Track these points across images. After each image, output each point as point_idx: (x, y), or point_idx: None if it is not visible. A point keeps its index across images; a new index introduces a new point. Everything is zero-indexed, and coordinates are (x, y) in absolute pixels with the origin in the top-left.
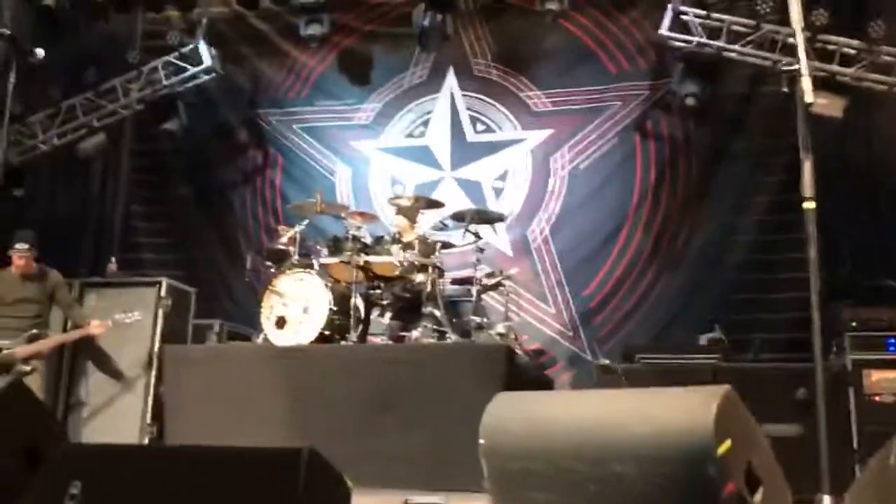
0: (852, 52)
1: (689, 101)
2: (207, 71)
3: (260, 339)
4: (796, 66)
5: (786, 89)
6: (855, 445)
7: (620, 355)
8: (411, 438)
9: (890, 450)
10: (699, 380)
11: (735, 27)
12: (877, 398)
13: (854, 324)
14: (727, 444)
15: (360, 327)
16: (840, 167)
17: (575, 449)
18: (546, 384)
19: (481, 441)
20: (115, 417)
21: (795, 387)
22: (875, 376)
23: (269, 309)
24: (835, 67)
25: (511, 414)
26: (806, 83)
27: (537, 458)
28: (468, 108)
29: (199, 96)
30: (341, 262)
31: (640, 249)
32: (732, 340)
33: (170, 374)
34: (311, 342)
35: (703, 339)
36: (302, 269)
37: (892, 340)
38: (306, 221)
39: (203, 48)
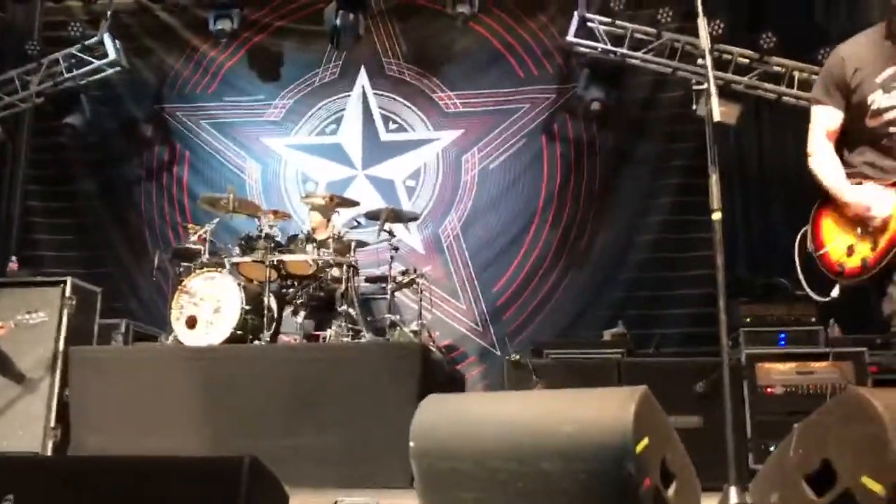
0: (746, 61)
1: (594, 106)
2: (112, 64)
3: (170, 340)
4: (705, 86)
5: (694, 107)
6: (749, 435)
7: (529, 350)
8: (329, 437)
9: (790, 442)
10: (605, 374)
11: (638, 35)
12: (769, 390)
13: (748, 320)
14: (644, 441)
15: (273, 327)
16: (734, 172)
17: (503, 449)
18: (458, 380)
19: (411, 443)
20: (15, 421)
21: (694, 380)
22: (767, 369)
23: (179, 309)
24: (730, 76)
25: (440, 416)
26: (714, 102)
27: (466, 459)
28: (380, 107)
29: (104, 90)
30: (254, 260)
31: (547, 247)
32: (634, 335)
33: (75, 376)
34: (223, 342)
35: (607, 335)
36: (213, 268)
37: (783, 335)
38: (217, 219)
39: (108, 40)
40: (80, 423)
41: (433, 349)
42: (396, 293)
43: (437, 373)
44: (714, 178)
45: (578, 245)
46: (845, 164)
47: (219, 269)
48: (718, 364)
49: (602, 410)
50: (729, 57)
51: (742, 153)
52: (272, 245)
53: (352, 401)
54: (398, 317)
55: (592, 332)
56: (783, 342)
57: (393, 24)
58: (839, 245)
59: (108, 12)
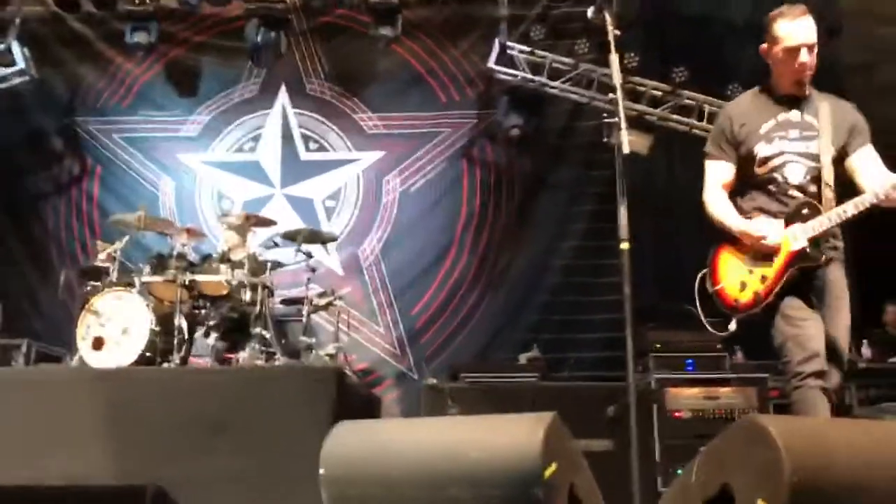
0: (659, 94)
1: (513, 132)
2: (20, 73)
3: (75, 361)
4: (616, 119)
5: (606, 139)
6: (657, 458)
7: (446, 374)
8: (241, 463)
9: (692, 467)
10: (519, 398)
11: (556, 64)
12: (676, 414)
13: (658, 345)
14: (553, 467)
15: (184, 349)
16: (645, 200)
17: (412, 475)
18: (374, 404)
19: (321, 471)
20: None
21: (606, 404)
22: (675, 393)
23: (86, 329)
24: (643, 107)
25: (350, 443)
26: (624, 136)
27: (376, 486)
28: (301, 126)
29: (11, 100)
30: (165, 280)
31: (466, 270)
32: (549, 359)
33: None
34: (131, 364)
35: (523, 358)
36: (121, 288)
37: (690, 361)
38: (127, 237)
39: (16, 49)
40: None
41: (349, 373)
42: (313, 315)
43: (353, 397)
44: (622, 210)
45: (496, 268)
46: (739, 210)
47: (128, 289)
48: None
49: (511, 436)
50: (642, 89)
51: (653, 182)
52: (185, 264)
53: (264, 425)
54: (314, 340)
55: (508, 355)
56: (691, 367)
57: (315, 44)
58: (733, 282)
59: (17, 19)
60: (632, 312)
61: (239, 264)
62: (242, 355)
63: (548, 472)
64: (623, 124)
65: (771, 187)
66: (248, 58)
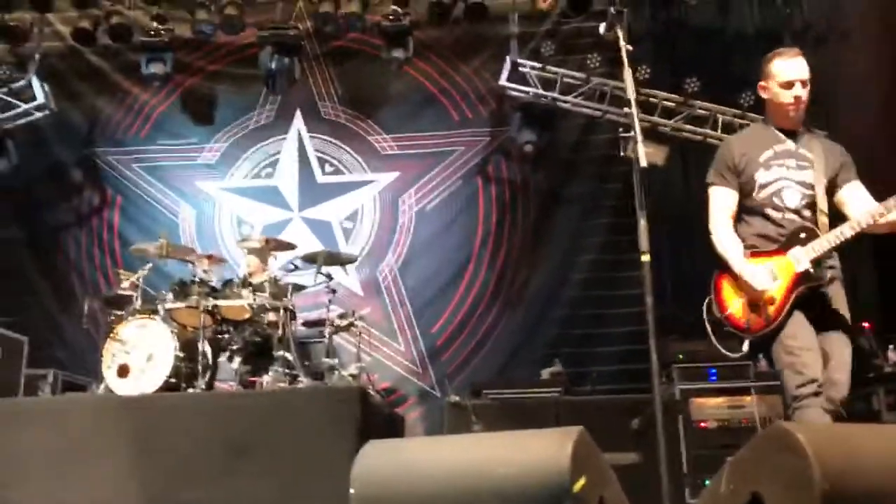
0: (671, 105)
1: (527, 148)
2: (40, 108)
3: (101, 389)
4: (632, 133)
5: (622, 153)
6: (685, 469)
7: (468, 391)
8: (266, 485)
9: (720, 477)
10: (543, 413)
11: (567, 79)
12: (702, 424)
13: (680, 356)
14: (582, 481)
15: (209, 373)
16: (662, 211)
17: (441, 493)
18: (398, 422)
19: (352, 491)
20: None
21: (630, 416)
22: (699, 404)
23: (111, 357)
24: (656, 119)
25: (380, 463)
26: (641, 149)
27: None
28: (316, 150)
29: (31, 134)
30: (188, 306)
31: (484, 287)
32: (571, 373)
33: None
34: (157, 391)
35: (545, 373)
36: (145, 315)
37: (713, 371)
38: (149, 265)
39: (35, 84)
40: (7, 479)
41: (372, 392)
42: (334, 336)
43: (377, 417)
44: (642, 222)
45: (514, 284)
46: (740, 236)
47: (151, 316)
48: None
49: (539, 452)
50: (655, 101)
51: (669, 193)
52: (207, 290)
53: (289, 447)
54: (336, 360)
55: (530, 371)
56: (714, 377)
57: (328, 68)
58: (740, 305)
59: (36, 55)
60: (654, 324)
61: (260, 288)
62: (266, 378)
63: (577, 486)
64: (639, 137)
65: (769, 211)
66: (262, 84)
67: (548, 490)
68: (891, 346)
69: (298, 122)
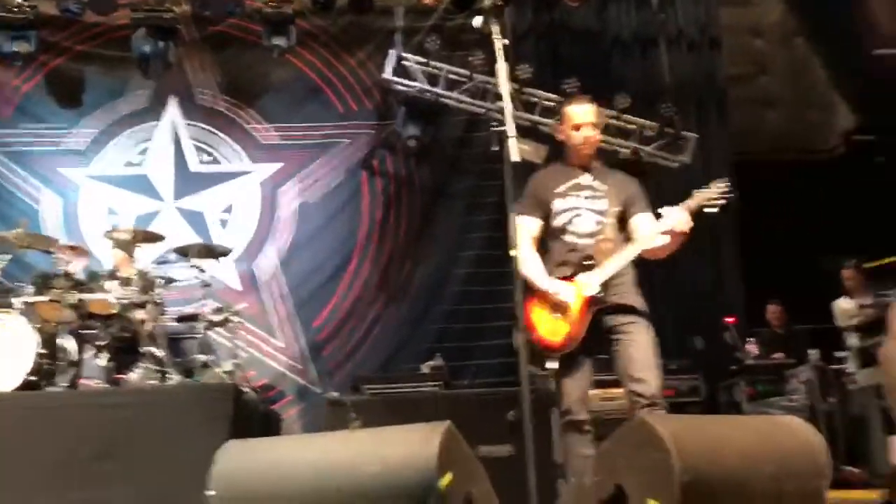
0: (551, 104)
1: (411, 143)
2: None
3: None
4: (504, 128)
5: (495, 147)
6: (557, 461)
7: (349, 387)
8: (135, 487)
9: (586, 470)
10: (423, 407)
11: (452, 75)
12: None
13: (515, 345)
14: (448, 477)
15: (72, 371)
16: None
17: (306, 494)
18: (274, 421)
19: (211, 492)
20: None
21: (508, 409)
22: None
23: None
24: (536, 118)
25: (240, 462)
26: (513, 144)
27: None
28: (192, 138)
29: None
30: (50, 300)
31: (367, 282)
32: (453, 367)
33: None
34: (15, 389)
35: (425, 368)
36: (2, 309)
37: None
38: (9, 256)
39: None
40: None
41: (247, 390)
42: (209, 332)
43: (252, 415)
44: (512, 217)
45: (398, 279)
46: (547, 261)
47: (9, 311)
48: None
49: (406, 448)
50: (535, 100)
51: None
52: (71, 283)
53: (159, 447)
54: (210, 357)
55: (412, 365)
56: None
57: (206, 54)
58: (546, 329)
59: None
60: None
61: (128, 282)
62: (134, 375)
63: (443, 483)
64: (511, 132)
65: (566, 237)
66: (135, 68)
67: (413, 487)
68: (751, 340)
69: (173, 108)
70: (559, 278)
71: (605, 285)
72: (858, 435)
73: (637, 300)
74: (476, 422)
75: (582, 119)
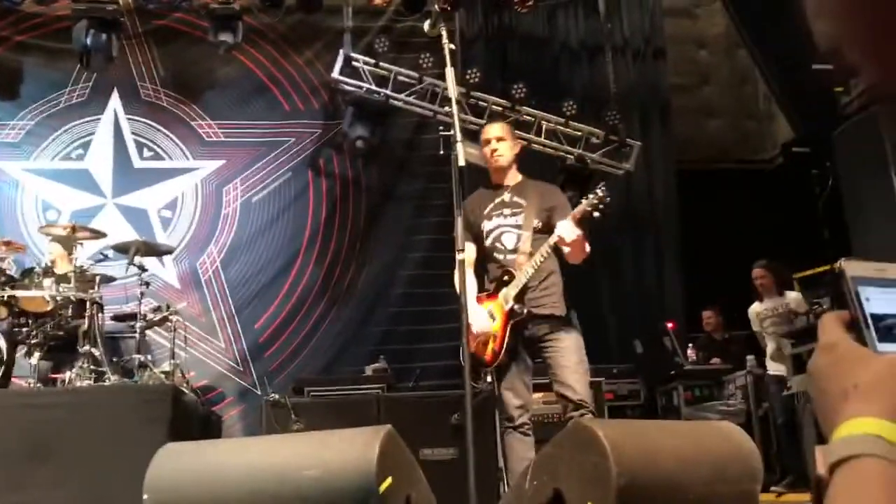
0: (499, 109)
1: (359, 144)
2: None
3: None
4: (451, 133)
5: (442, 151)
6: (500, 465)
7: (290, 389)
8: (68, 490)
9: (526, 473)
10: (364, 410)
11: (401, 77)
12: None
13: (461, 359)
14: (388, 481)
15: (3, 370)
16: None
17: (245, 497)
18: (214, 423)
19: (145, 496)
20: None
21: (452, 412)
22: None
23: None
24: (484, 122)
25: (177, 465)
26: (460, 148)
27: None
28: (134, 133)
29: None
30: None
31: (312, 282)
32: (396, 369)
33: None
34: None
35: (369, 370)
36: None
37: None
38: None
39: None
40: None
41: (186, 391)
42: (148, 332)
43: (191, 417)
44: (459, 220)
45: (343, 280)
46: (487, 281)
47: None
48: (475, 395)
49: (346, 452)
50: (484, 104)
51: None
52: (3, 279)
53: (94, 449)
54: (148, 357)
55: (356, 368)
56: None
57: (150, 48)
58: (480, 343)
59: None
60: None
61: (64, 278)
62: (69, 375)
63: (383, 487)
64: (458, 136)
65: (495, 255)
66: (76, 60)
67: (353, 491)
68: (690, 345)
69: (115, 102)
70: (488, 295)
71: (522, 297)
72: (792, 440)
73: (557, 307)
74: (419, 425)
75: (487, 135)
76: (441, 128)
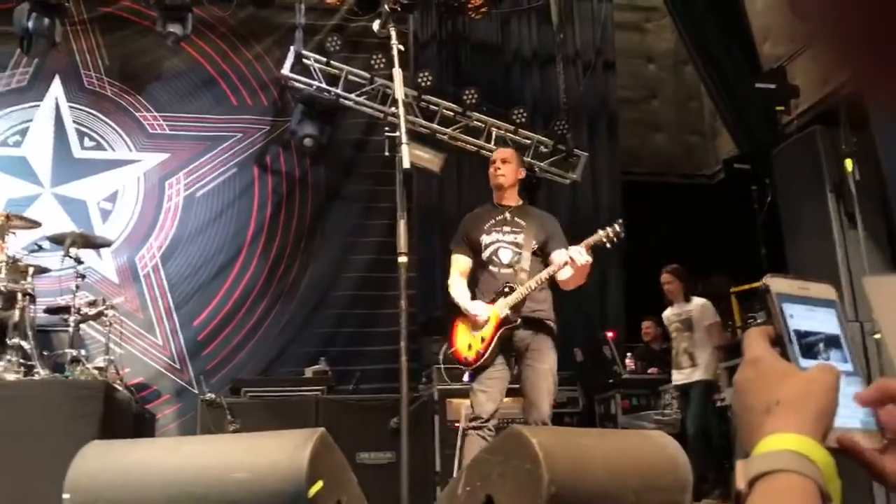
0: (450, 114)
1: (307, 142)
2: None
3: None
4: (397, 134)
5: (387, 153)
6: (437, 468)
7: (228, 388)
8: None
9: (459, 480)
10: (303, 412)
11: (352, 77)
12: (456, 424)
13: (441, 357)
14: (318, 485)
15: None
16: (436, 216)
17: (171, 498)
18: (148, 420)
19: (66, 496)
20: None
21: (391, 415)
22: (456, 405)
23: None
24: (435, 126)
25: (101, 464)
26: (405, 150)
27: None
28: (76, 122)
29: None
30: None
31: (254, 281)
32: (337, 372)
33: None
34: None
35: (309, 372)
36: None
37: (472, 373)
38: None
39: None
40: None
41: (120, 388)
42: (83, 326)
43: (123, 414)
44: (402, 224)
45: (286, 280)
46: (479, 290)
47: None
48: (414, 399)
49: (276, 455)
50: (435, 108)
51: (444, 199)
52: None
53: (21, 446)
54: (82, 352)
55: (296, 369)
56: (472, 379)
57: (95, 35)
58: (463, 344)
59: None
60: (418, 325)
61: None
62: None
63: (313, 491)
64: (404, 139)
65: (491, 267)
66: (16, 44)
67: (282, 495)
68: (629, 355)
69: (57, 89)
70: (486, 303)
71: (517, 309)
72: (724, 451)
73: (545, 313)
74: (358, 428)
75: (494, 156)
76: (386, 129)
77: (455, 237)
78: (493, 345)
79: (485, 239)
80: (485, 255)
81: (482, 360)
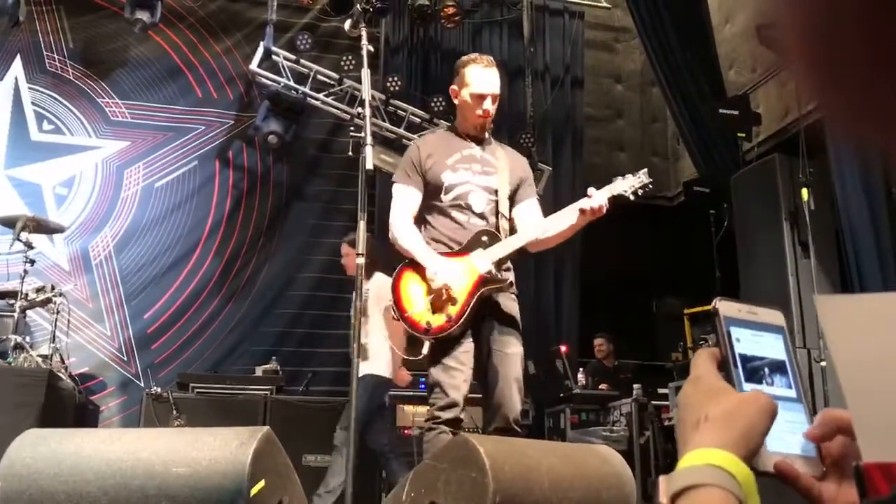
0: (417, 120)
1: (272, 139)
2: None
3: None
4: (362, 135)
5: (351, 153)
6: (384, 475)
7: (175, 383)
8: None
9: (403, 486)
10: (250, 411)
11: (321, 77)
12: (406, 431)
13: None
14: (260, 484)
15: None
16: None
17: (107, 490)
18: (91, 412)
19: None
20: None
21: (338, 418)
22: (407, 411)
23: None
24: (402, 131)
25: (36, 453)
26: (369, 152)
27: (62, 503)
28: (34, 104)
29: None
30: None
31: (208, 276)
32: (288, 372)
33: None
34: None
35: (259, 371)
36: None
37: (423, 380)
38: None
39: None
40: None
41: (63, 377)
42: (28, 312)
43: (65, 404)
44: (361, 225)
45: (241, 276)
46: (425, 237)
47: None
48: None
49: (219, 452)
50: (403, 113)
51: None
52: None
53: None
54: (26, 338)
55: (247, 367)
56: (423, 386)
57: (60, 17)
58: (421, 306)
59: None
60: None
61: None
62: None
63: (254, 490)
64: (369, 139)
65: (455, 213)
66: None
67: (222, 492)
68: (581, 370)
69: (17, 68)
70: (446, 254)
71: (500, 266)
72: (670, 468)
73: (515, 307)
74: (305, 430)
75: (485, 89)
76: (351, 129)
77: (401, 167)
78: (469, 309)
79: (449, 178)
80: (446, 197)
81: (454, 328)
